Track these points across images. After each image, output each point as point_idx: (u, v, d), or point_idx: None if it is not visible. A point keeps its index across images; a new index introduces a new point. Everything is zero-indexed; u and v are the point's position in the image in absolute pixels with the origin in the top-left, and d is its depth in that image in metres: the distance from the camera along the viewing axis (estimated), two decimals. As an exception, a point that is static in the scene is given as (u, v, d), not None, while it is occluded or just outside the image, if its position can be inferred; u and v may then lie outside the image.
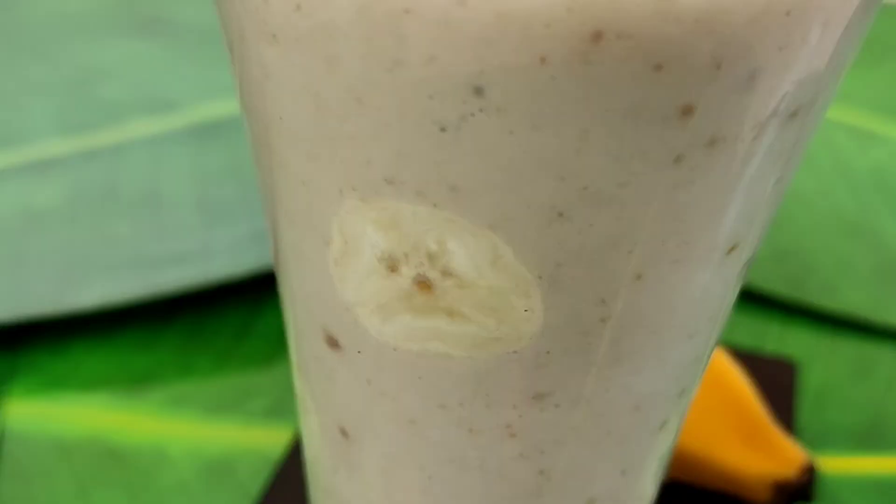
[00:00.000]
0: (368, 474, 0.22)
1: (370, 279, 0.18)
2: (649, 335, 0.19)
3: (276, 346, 0.46)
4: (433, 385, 0.20)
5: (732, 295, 0.20)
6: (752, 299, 0.51)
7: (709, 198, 0.17)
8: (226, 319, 0.47)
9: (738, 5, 0.15)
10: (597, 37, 0.15)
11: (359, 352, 0.20)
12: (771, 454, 0.36)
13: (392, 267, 0.18)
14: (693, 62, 0.15)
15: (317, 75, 0.16)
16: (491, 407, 0.20)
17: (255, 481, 0.40)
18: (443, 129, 0.16)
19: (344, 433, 0.22)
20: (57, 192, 0.52)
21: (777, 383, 0.44)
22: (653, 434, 0.22)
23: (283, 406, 0.43)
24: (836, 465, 0.43)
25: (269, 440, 0.41)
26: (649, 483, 0.23)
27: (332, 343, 0.20)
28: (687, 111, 0.16)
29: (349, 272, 0.19)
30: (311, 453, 0.24)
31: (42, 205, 0.51)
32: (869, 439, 0.44)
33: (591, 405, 0.20)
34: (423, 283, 0.18)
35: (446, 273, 0.18)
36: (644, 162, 0.16)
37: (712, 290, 0.19)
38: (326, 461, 0.23)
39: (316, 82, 0.17)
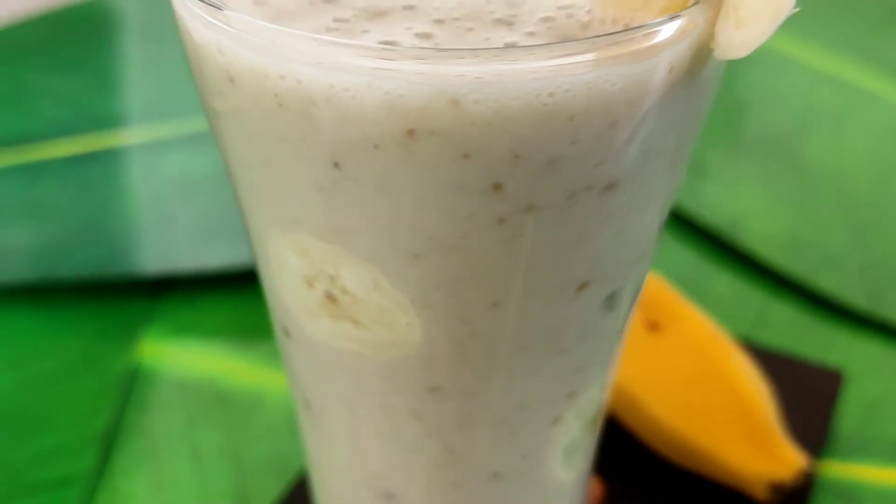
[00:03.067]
0: (326, 438, 0.28)
1: (297, 290, 0.24)
2: (518, 350, 0.24)
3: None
4: (354, 375, 0.25)
5: (604, 319, 0.24)
6: (827, 307, 0.53)
7: (539, 247, 0.22)
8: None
9: (524, 113, 0.19)
10: (411, 133, 0.19)
11: (302, 343, 0.25)
12: (771, 456, 0.39)
13: (309, 283, 0.23)
14: (494, 153, 0.20)
15: (240, 136, 0.22)
16: (399, 395, 0.25)
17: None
18: (321, 189, 0.21)
19: (307, 404, 0.28)
20: (209, 163, 0.60)
21: (820, 391, 0.46)
22: (546, 428, 0.26)
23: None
24: (871, 474, 0.45)
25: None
26: (557, 465, 0.28)
27: (286, 333, 0.26)
28: (497, 187, 0.20)
29: (283, 283, 0.24)
30: (298, 422, 0.30)
31: (194, 174, 0.59)
32: (911, 454, 0.46)
33: (479, 400, 0.25)
34: (330, 297, 0.23)
35: (344, 291, 0.23)
36: (473, 222, 0.21)
37: (572, 317, 0.24)
38: (302, 427, 0.29)
39: (241, 141, 0.22)
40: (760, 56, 0.74)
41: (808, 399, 0.46)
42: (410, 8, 0.22)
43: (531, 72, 0.19)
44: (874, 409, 0.49)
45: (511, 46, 0.20)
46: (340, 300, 0.23)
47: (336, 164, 0.20)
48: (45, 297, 0.53)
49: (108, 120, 0.65)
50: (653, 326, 0.42)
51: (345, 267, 0.22)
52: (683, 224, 0.59)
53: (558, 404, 0.26)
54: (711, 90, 0.22)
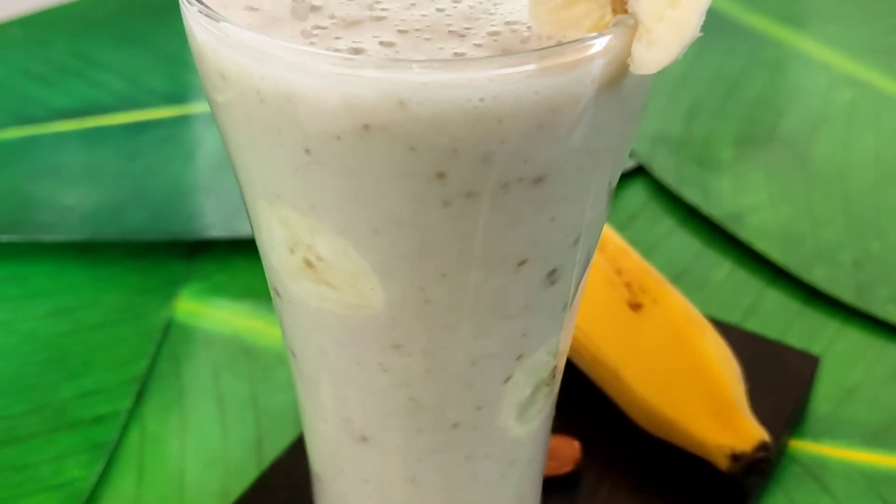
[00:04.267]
0: (309, 386, 0.32)
1: (281, 255, 0.28)
2: (467, 315, 0.28)
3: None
4: (330, 330, 0.29)
5: (547, 292, 0.28)
6: (818, 298, 0.56)
7: (480, 227, 0.25)
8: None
9: (457, 113, 0.23)
10: (366, 127, 0.23)
11: (288, 301, 0.30)
12: (732, 429, 0.42)
13: (291, 250, 0.28)
14: (436, 147, 0.24)
15: (233, 123, 0.26)
16: (368, 349, 0.29)
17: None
18: (296, 170, 0.25)
19: (293, 355, 0.32)
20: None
21: (796, 374, 0.49)
22: (498, 385, 0.30)
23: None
24: (838, 454, 0.49)
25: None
26: (511, 420, 0.31)
27: (276, 293, 0.30)
28: (440, 175, 0.24)
29: (271, 249, 0.28)
30: (290, 370, 0.34)
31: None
32: (878, 438, 0.49)
33: (436, 357, 0.29)
34: (308, 263, 0.27)
35: (319, 258, 0.27)
36: (423, 203, 0.25)
37: (515, 288, 0.28)
38: (292, 375, 0.33)
39: (234, 127, 0.26)
40: (784, 57, 0.77)
41: (785, 380, 0.49)
42: (380, 19, 0.26)
43: (465, 80, 0.23)
44: (850, 394, 0.52)
45: (459, 57, 0.24)
46: (316, 266, 0.27)
47: (307, 151, 0.24)
48: (94, 254, 0.58)
49: (161, 95, 0.70)
50: (636, 307, 0.45)
51: (318, 237, 0.26)
52: (691, 213, 0.62)
53: (508, 365, 0.30)
54: (633, 99, 0.26)
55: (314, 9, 0.26)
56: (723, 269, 0.59)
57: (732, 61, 0.75)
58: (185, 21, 0.26)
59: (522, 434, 0.33)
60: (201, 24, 0.24)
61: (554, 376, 0.32)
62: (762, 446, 0.42)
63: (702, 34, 0.23)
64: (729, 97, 0.71)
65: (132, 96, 0.70)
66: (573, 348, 0.46)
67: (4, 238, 0.57)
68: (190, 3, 0.25)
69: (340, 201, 0.25)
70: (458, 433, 0.31)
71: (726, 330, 0.50)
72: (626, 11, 0.24)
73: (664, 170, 0.64)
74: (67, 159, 0.65)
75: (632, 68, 0.24)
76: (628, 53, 0.24)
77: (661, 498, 0.44)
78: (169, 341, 0.53)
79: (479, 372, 0.29)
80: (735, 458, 0.42)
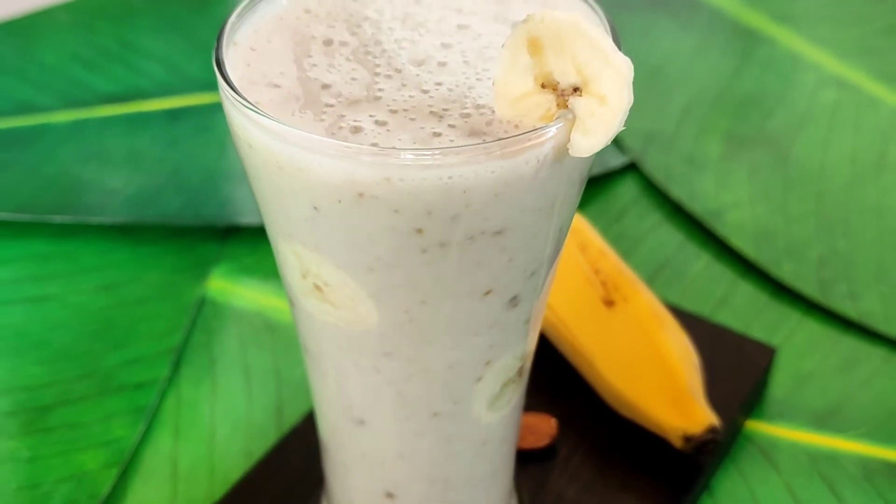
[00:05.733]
0: (319, 377, 0.39)
1: (295, 278, 0.35)
2: (443, 332, 0.34)
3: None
4: (333, 338, 0.36)
5: (509, 314, 0.35)
6: (783, 292, 0.62)
7: (452, 267, 0.32)
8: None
9: (431, 187, 0.29)
10: (361, 195, 0.30)
11: (301, 312, 0.36)
12: (686, 414, 0.49)
13: (303, 275, 0.34)
14: (415, 210, 0.30)
15: (258, 179, 0.33)
16: (363, 355, 0.36)
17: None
18: (305, 220, 0.32)
19: (307, 350, 0.39)
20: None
21: (754, 363, 0.56)
22: (471, 384, 0.37)
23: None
24: (789, 435, 0.55)
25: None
26: (483, 410, 0.38)
27: (291, 303, 0.37)
28: (419, 231, 0.31)
29: (287, 272, 0.35)
30: (304, 362, 0.41)
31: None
32: (823, 421, 0.55)
33: (419, 363, 0.36)
34: (316, 286, 0.34)
35: (325, 284, 0.34)
36: (405, 250, 0.31)
37: (482, 312, 0.34)
38: (306, 366, 0.40)
39: (258, 182, 0.33)
40: (776, 56, 0.82)
41: (743, 368, 0.55)
42: (376, 98, 0.32)
43: (437, 163, 0.29)
44: (804, 381, 0.58)
45: (436, 136, 0.31)
46: (323, 289, 0.34)
47: (315, 208, 0.31)
48: (136, 235, 0.65)
49: (199, 82, 0.76)
50: (609, 303, 0.52)
51: (324, 268, 0.33)
52: (675, 209, 0.68)
53: (478, 368, 0.36)
54: (573, 172, 0.32)
55: (325, 87, 0.33)
56: (701, 262, 0.65)
57: (727, 60, 0.80)
58: (221, 97, 0.32)
59: (493, 421, 0.39)
60: (234, 104, 0.31)
61: (521, 374, 0.39)
62: (711, 429, 0.49)
63: (624, 128, 0.30)
64: (721, 96, 0.77)
65: (172, 83, 0.76)
66: (556, 336, 0.53)
67: (58, 219, 0.64)
68: (226, 85, 0.31)
69: (341, 245, 0.32)
70: (439, 420, 0.38)
71: (694, 321, 0.57)
72: (566, 107, 0.30)
73: (655, 167, 0.70)
74: (112, 143, 0.71)
75: (571, 151, 0.30)
76: (568, 140, 0.30)
77: (626, 470, 0.51)
78: (202, 316, 0.60)
79: (454, 374, 0.36)
80: (687, 439, 0.49)
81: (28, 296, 0.61)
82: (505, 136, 0.30)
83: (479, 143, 0.29)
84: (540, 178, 0.31)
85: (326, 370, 0.38)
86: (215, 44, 0.33)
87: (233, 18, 0.34)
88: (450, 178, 0.29)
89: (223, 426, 0.55)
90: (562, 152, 0.30)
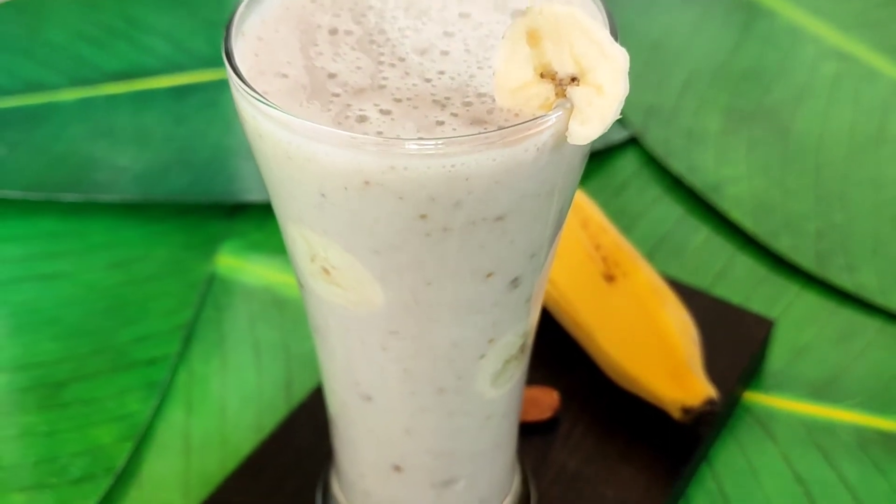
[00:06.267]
0: (328, 354, 0.40)
1: (304, 261, 0.36)
2: (447, 312, 0.36)
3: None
4: (342, 318, 0.37)
5: (511, 294, 0.36)
6: (782, 265, 0.63)
7: (455, 250, 0.33)
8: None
9: (435, 175, 0.31)
10: (367, 182, 0.31)
11: (310, 293, 0.38)
12: (684, 386, 0.50)
13: (311, 258, 0.35)
14: (419, 197, 0.31)
15: (268, 167, 0.34)
16: (370, 334, 0.37)
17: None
18: (314, 206, 0.33)
19: (316, 330, 0.40)
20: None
21: (752, 335, 0.57)
22: (474, 361, 0.38)
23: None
24: (786, 405, 0.56)
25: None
26: (486, 385, 0.39)
27: (301, 286, 0.38)
28: (423, 216, 0.32)
29: (297, 255, 0.36)
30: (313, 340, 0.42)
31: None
32: (820, 392, 0.57)
33: (424, 341, 0.37)
34: (324, 269, 0.35)
35: (333, 267, 0.35)
36: (410, 235, 0.32)
37: (485, 292, 0.35)
38: (315, 344, 0.41)
39: (268, 169, 0.34)
40: (776, 29, 0.82)
41: (741, 341, 0.57)
42: (381, 87, 0.33)
43: (440, 152, 0.30)
44: (802, 353, 0.59)
45: (439, 124, 0.32)
46: (330, 272, 0.35)
47: (322, 194, 0.32)
48: (146, 213, 0.66)
49: (204, 59, 0.77)
50: (609, 278, 0.53)
51: (331, 251, 0.34)
52: (677, 183, 0.69)
53: (482, 346, 0.38)
54: (571, 159, 0.33)
55: (331, 76, 0.34)
56: (700, 236, 0.66)
57: (727, 34, 0.81)
58: (231, 88, 0.33)
59: (496, 396, 0.41)
60: (245, 96, 0.32)
61: (523, 351, 0.40)
62: (709, 401, 0.50)
63: (620, 116, 0.31)
64: (721, 70, 0.77)
65: (177, 60, 0.77)
66: (557, 311, 0.54)
67: (68, 197, 0.65)
68: (235, 76, 0.32)
69: (347, 230, 0.33)
70: (443, 396, 0.39)
71: (693, 295, 0.58)
72: (564, 96, 0.31)
73: (655, 141, 0.71)
74: (120, 121, 0.72)
75: (569, 139, 0.31)
76: (566, 128, 0.31)
77: (626, 441, 0.52)
78: (211, 293, 0.62)
79: (458, 352, 0.37)
80: (686, 410, 0.50)
81: (40, 273, 0.62)
82: (505, 126, 0.31)
83: (480, 133, 0.31)
84: (539, 165, 0.32)
85: (334, 348, 0.39)
86: (224, 34, 0.34)
87: (241, 8, 0.35)
88: (452, 166, 0.30)
89: (234, 400, 0.56)
90: (560, 140, 0.31)
